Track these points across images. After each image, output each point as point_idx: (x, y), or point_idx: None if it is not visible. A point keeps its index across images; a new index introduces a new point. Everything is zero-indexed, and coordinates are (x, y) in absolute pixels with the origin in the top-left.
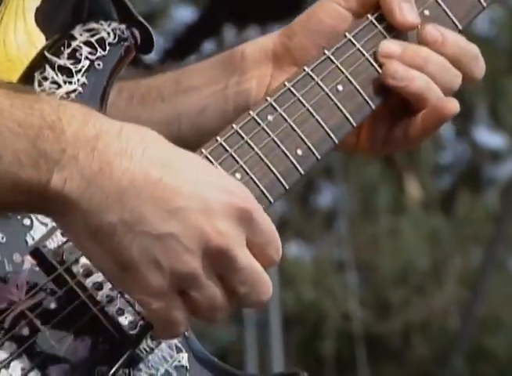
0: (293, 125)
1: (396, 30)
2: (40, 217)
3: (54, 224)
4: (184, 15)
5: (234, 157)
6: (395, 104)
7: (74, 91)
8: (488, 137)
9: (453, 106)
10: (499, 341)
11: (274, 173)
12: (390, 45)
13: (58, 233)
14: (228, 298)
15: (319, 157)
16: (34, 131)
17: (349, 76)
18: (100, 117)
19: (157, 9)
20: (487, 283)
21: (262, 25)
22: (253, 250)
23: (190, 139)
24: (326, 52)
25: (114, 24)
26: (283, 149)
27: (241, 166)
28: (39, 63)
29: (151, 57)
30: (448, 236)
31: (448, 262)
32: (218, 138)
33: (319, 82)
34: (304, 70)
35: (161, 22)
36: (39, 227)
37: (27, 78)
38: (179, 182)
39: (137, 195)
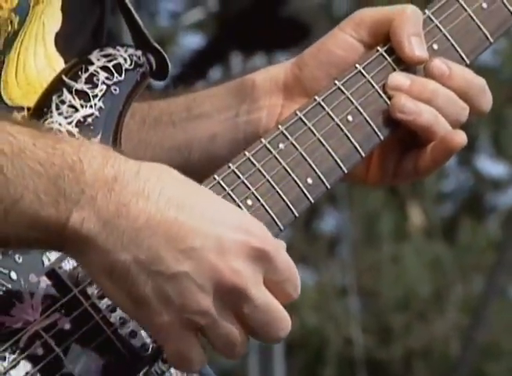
0: (304, 154)
1: (405, 63)
2: None
3: None
4: (192, 42)
5: (246, 184)
6: (404, 136)
7: (91, 115)
8: (491, 166)
9: (461, 138)
10: (500, 367)
11: (285, 201)
12: (399, 78)
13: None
14: (246, 335)
15: (328, 186)
16: (55, 170)
17: (359, 107)
18: (119, 158)
19: (166, 36)
20: (488, 310)
21: (269, 53)
22: (270, 287)
23: (200, 165)
24: (336, 82)
25: (131, 50)
26: (294, 177)
27: (253, 193)
28: (57, 86)
29: (158, 83)
30: (450, 264)
31: (450, 288)
32: (231, 165)
33: (330, 112)
34: (315, 99)
35: (169, 48)
36: None
37: (45, 101)
38: (194, 221)
39: (152, 235)
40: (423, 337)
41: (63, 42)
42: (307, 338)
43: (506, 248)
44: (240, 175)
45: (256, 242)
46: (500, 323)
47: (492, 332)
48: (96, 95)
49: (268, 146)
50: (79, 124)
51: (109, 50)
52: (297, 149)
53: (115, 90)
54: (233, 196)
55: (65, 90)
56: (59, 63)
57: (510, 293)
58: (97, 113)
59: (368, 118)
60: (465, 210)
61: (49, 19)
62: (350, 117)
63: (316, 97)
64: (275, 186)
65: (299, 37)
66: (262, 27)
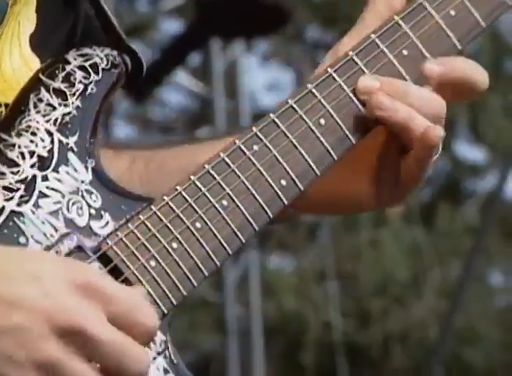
0: (278, 156)
1: (376, 66)
2: (35, 235)
3: (49, 243)
4: (171, 27)
5: (221, 185)
6: (390, 153)
7: (69, 113)
8: (468, 151)
9: (435, 131)
10: (477, 352)
11: (259, 202)
12: (367, 81)
13: (52, 251)
14: (104, 375)
15: (302, 189)
16: None
17: (331, 110)
18: None
19: (145, 21)
20: (465, 295)
21: (248, 39)
22: (117, 321)
23: None
24: (308, 85)
25: (107, 50)
26: (268, 179)
27: (228, 193)
28: (34, 85)
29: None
30: (427, 249)
31: (428, 273)
32: (206, 165)
33: (303, 115)
34: (288, 102)
35: (149, 33)
36: (34, 246)
37: (22, 99)
38: (13, 272)
39: None
40: (401, 321)
41: (37, 43)
42: (286, 323)
43: (483, 233)
44: (216, 176)
45: (80, 277)
46: (477, 308)
47: (469, 316)
48: (74, 94)
49: (243, 147)
50: (57, 122)
51: (86, 50)
52: (271, 151)
53: (92, 89)
54: (209, 196)
55: (42, 88)
56: (35, 63)
57: (488, 278)
58: (75, 111)
59: (340, 122)
60: (443, 195)
61: (25, 19)
62: (322, 121)
63: (289, 100)
64: (250, 187)
65: (278, 23)
66: (242, 12)
